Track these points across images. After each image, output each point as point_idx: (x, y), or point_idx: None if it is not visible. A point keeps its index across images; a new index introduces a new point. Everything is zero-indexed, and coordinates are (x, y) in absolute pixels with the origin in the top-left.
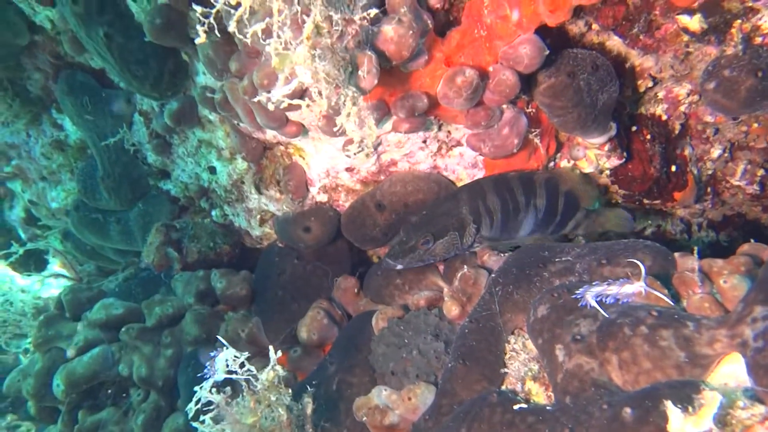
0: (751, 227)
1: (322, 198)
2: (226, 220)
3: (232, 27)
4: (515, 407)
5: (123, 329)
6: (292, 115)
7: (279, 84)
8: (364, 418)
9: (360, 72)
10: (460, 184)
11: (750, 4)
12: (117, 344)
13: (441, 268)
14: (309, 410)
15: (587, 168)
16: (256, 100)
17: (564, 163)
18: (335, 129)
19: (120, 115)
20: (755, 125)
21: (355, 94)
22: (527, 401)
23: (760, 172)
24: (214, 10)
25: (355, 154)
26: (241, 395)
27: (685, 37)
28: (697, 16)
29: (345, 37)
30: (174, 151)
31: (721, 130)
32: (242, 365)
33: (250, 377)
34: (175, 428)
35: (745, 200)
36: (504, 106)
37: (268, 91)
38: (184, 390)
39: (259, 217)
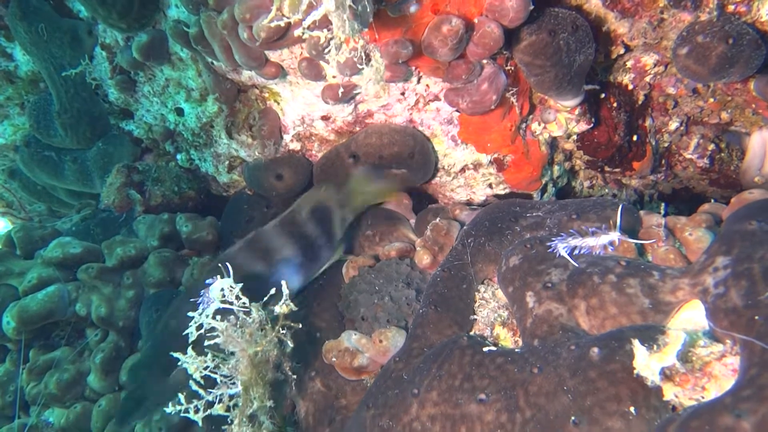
0: (697, 201)
1: (295, 146)
2: (192, 165)
3: None
4: (485, 349)
5: (82, 268)
6: (272, 56)
7: (301, 9)
8: (334, 359)
9: (358, 6)
10: (434, 140)
11: None
12: (74, 283)
13: (412, 221)
14: (288, 350)
15: (556, 131)
16: (254, 33)
17: (535, 126)
18: (325, 73)
19: (80, 46)
20: (711, 100)
21: (359, 27)
22: (496, 345)
23: (711, 146)
24: None
25: (367, 90)
26: (239, 325)
27: (662, 3)
28: None
29: None
30: (139, 90)
31: (679, 104)
32: (238, 298)
33: (243, 309)
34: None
35: (695, 173)
36: (484, 62)
37: (250, 26)
38: (146, 331)
39: (227, 163)
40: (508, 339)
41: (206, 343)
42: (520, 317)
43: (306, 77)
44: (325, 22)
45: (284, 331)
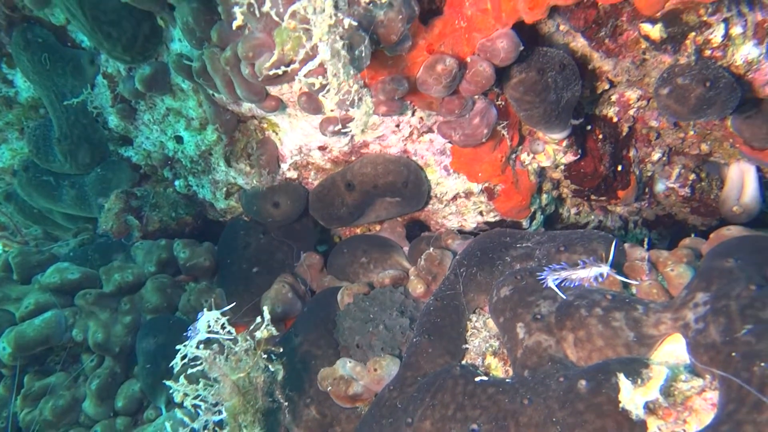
0: (679, 227)
1: (292, 174)
2: (190, 191)
3: (267, 6)
4: (476, 379)
5: (79, 294)
6: (272, 90)
7: (298, 58)
8: (329, 388)
9: (356, 52)
10: (427, 169)
11: (705, 19)
12: (71, 309)
13: (406, 249)
14: (280, 376)
15: (545, 162)
16: (257, 71)
17: (524, 156)
18: (324, 107)
19: (82, 74)
20: (691, 132)
21: (355, 73)
22: (487, 374)
23: (692, 176)
24: None
25: (355, 130)
26: (224, 353)
27: (644, 44)
28: (659, 25)
29: (347, 18)
30: (139, 118)
31: (662, 135)
32: (224, 327)
33: (229, 339)
34: (131, 394)
35: (677, 201)
36: (476, 97)
37: (253, 64)
38: (143, 357)
39: (225, 189)
40: (499, 368)
41: (190, 371)
42: (510, 347)
43: (305, 111)
44: (321, 69)
45: (265, 356)
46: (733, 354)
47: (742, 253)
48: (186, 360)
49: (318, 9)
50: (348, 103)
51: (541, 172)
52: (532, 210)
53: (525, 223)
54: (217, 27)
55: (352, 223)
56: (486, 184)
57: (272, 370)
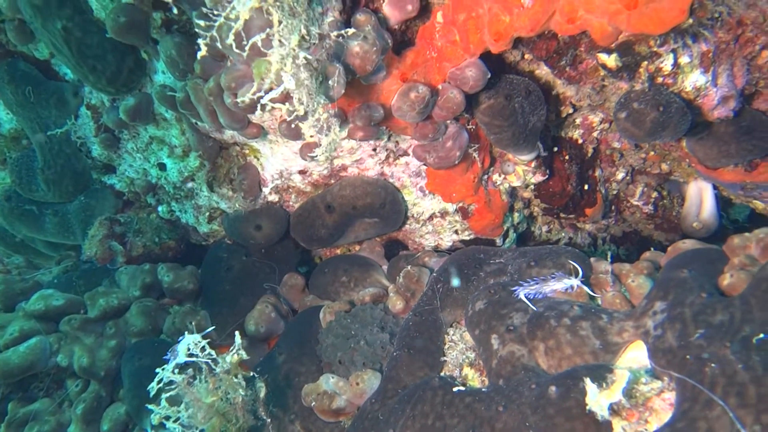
0: (644, 243)
1: (274, 198)
2: (173, 216)
3: (230, 40)
4: (454, 390)
5: (64, 319)
6: (253, 118)
7: (262, 87)
8: (313, 404)
9: (330, 82)
10: (404, 191)
11: (655, 49)
12: (55, 335)
13: (385, 268)
14: (262, 394)
15: (515, 182)
16: (238, 100)
17: (496, 177)
18: (303, 133)
19: (65, 106)
20: (652, 153)
21: (325, 102)
22: (464, 385)
23: (654, 194)
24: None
25: (318, 156)
26: (200, 377)
27: (602, 72)
28: (614, 55)
29: (320, 50)
30: (122, 146)
31: (625, 156)
32: (203, 349)
33: (209, 361)
34: (116, 418)
35: (641, 218)
36: (448, 122)
37: (235, 94)
38: (128, 380)
39: (208, 214)
40: (475, 379)
41: (165, 395)
42: (486, 358)
43: (285, 137)
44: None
45: (235, 380)
46: (688, 357)
47: (695, 264)
48: (161, 384)
49: (282, 43)
50: (317, 130)
51: (513, 192)
52: (505, 228)
53: (498, 241)
54: (199, 60)
55: (333, 244)
56: (460, 204)
57: (251, 388)
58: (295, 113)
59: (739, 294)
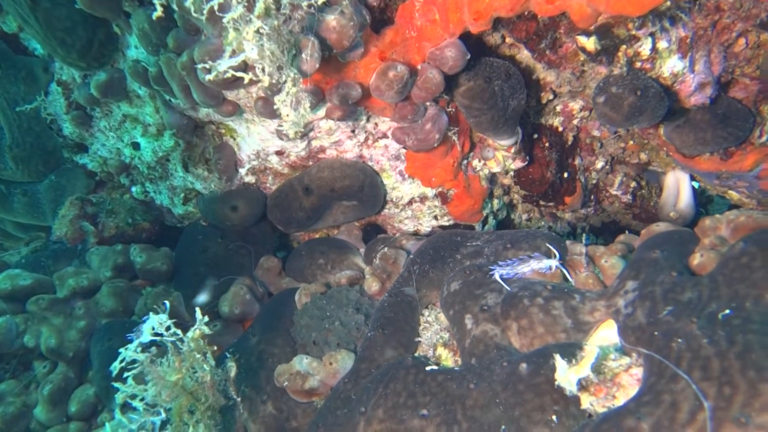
0: (623, 233)
1: (250, 179)
2: (147, 197)
3: (188, 2)
4: (427, 369)
5: (32, 300)
6: (229, 95)
7: (225, 56)
8: (285, 384)
9: (303, 55)
10: (383, 174)
11: (633, 32)
12: (22, 315)
13: (362, 250)
14: (232, 373)
15: (495, 168)
16: (199, 66)
17: (476, 162)
18: (275, 108)
19: (35, 82)
20: (631, 142)
21: (296, 76)
22: (438, 365)
23: (633, 183)
24: None
25: (287, 130)
26: (166, 355)
27: (582, 57)
28: (593, 38)
29: (291, 21)
30: (94, 125)
31: (604, 145)
32: (168, 328)
33: (176, 340)
34: (85, 399)
35: (620, 208)
36: (427, 104)
37: (209, 69)
38: (97, 361)
39: (183, 195)
40: (449, 359)
41: (127, 374)
42: (459, 338)
43: (262, 115)
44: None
45: (199, 357)
46: (656, 333)
47: (667, 245)
48: (124, 364)
49: (246, 10)
50: (286, 104)
51: (492, 178)
52: (484, 214)
53: (478, 227)
54: (173, 33)
55: (310, 227)
56: (439, 189)
57: (221, 368)
58: (260, 84)
59: (708, 273)
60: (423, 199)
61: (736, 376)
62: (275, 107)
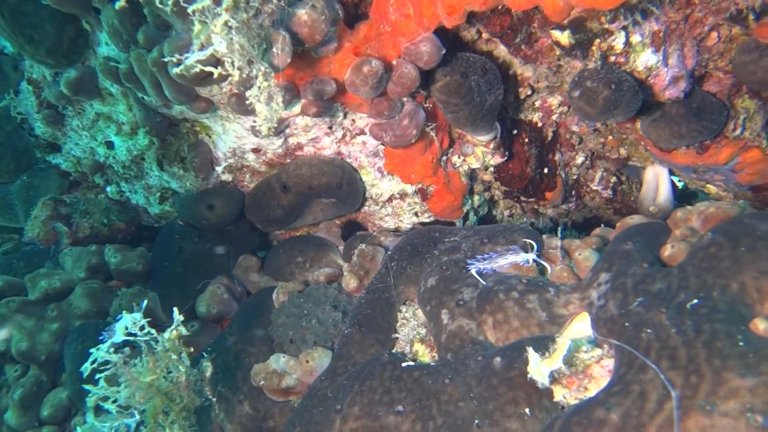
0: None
1: (227, 177)
2: (122, 197)
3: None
4: (403, 365)
5: (2, 302)
6: (202, 92)
7: (193, 50)
8: (262, 383)
9: (274, 50)
10: (362, 171)
11: (606, 26)
12: None
13: (341, 247)
14: (208, 373)
15: (475, 163)
16: (166, 59)
17: (455, 158)
18: (247, 103)
19: (4, 81)
20: (610, 137)
21: (267, 70)
22: (414, 360)
23: (613, 179)
24: None
25: (260, 127)
26: (140, 356)
27: (558, 51)
28: (567, 32)
29: (261, 14)
30: (67, 124)
31: (584, 140)
32: (142, 328)
33: (149, 340)
34: (58, 403)
35: (601, 203)
36: (404, 99)
37: (179, 64)
38: (71, 364)
39: (159, 194)
40: (426, 354)
41: (99, 375)
42: (436, 333)
43: (236, 112)
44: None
45: (175, 357)
46: (626, 324)
47: (640, 237)
48: (96, 365)
49: (213, 7)
50: (258, 99)
51: (472, 174)
52: (465, 210)
53: (458, 223)
54: (143, 29)
55: (289, 225)
56: (419, 185)
57: (197, 368)
58: (230, 79)
59: (678, 263)
60: (403, 195)
61: (702, 364)
62: (247, 102)
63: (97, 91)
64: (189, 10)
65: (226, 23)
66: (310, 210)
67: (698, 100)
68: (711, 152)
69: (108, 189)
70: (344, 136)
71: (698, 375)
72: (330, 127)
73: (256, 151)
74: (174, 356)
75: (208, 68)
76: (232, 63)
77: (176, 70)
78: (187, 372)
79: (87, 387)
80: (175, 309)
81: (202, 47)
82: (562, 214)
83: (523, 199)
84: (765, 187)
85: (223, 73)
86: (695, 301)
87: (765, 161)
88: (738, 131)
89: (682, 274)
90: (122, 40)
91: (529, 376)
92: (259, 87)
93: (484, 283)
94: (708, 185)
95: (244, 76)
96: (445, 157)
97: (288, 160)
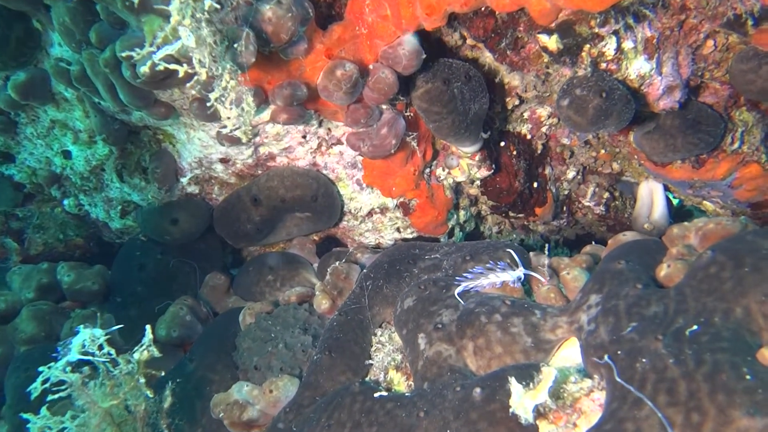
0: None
1: (193, 189)
2: (81, 211)
3: None
4: (375, 395)
5: None
6: (162, 96)
7: (156, 44)
8: (221, 415)
9: (236, 46)
10: (339, 183)
11: (596, 30)
12: None
13: (316, 264)
14: (167, 404)
15: (460, 177)
16: (124, 56)
17: (439, 171)
18: (208, 105)
19: None
20: (602, 151)
21: (232, 68)
22: (389, 390)
23: (606, 194)
24: None
25: (232, 132)
26: (99, 377)
27: (546, 58)
28: (555, 36)
29: (224, 10)
30: (20, 132)
31: (575, 154)
32: (101, 347)
33: (107, 362)
34: None
35: (593, 220)
36: (383, 107)
37: (134, 65)
38: (12, 395)
39: (120, 208)
40: (401, 383)
41: (50, 397)
42: (412, 360)
43: (198, 118)
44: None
45: (142, 382)
46: (619, 352)
47: (633, 256)
48: (48, 385)
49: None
50: (224, 101)
51: (458, 188)
52: (450, 226)
53: (443, 240)
54: (96, 27)
55: (262, 241)
56: (401, 199)
57: (152, 397)
58: (196, 78)
59: (675, 284)
60: (383, 210)
61: (705, 400)
62: (209, 104)
63: (50, 95)
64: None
65: (193, 14)
66: (284, 225)
67: (694, 111)
68: (708, 167)
69: (65, 202)
70: (320, 145)
71: (700, 413)
72: (304, 136)
73: (224, 161)
74: (138, 381)
75: (173, 66)
76: (200, 60)
77: (143, 69)
78: (147, 402)
79: (25, 416)
80: (148, 327)
81: (167, 41)
82: (553, 230)
83: (511, 214)
84: (765, 204)
85: (190, 71)
86: (695, 327)
87: (764, 177)
88: (736, 145)
89: (679, 297)
90: (75, 40)
91: (511, 410)
92: (225, 87)
93: (464, 304)
94: (704, 202)
95: (211, 75)
96: (428, 170)
97: (259, 172)
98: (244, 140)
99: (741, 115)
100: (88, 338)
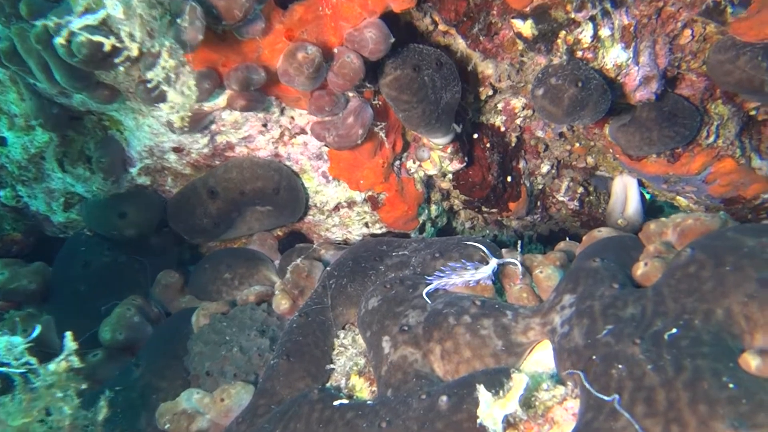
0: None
1: (144, 181)
2: (20, 203)
3: None
4: (335, 403)
5: None
6: (104, 77)
7: (78, 9)
8: (167, 426)
9: (179, 21)
10: (303, 176)
11: (572, 15)
12: None
13: (277, 262)
14: (100, 417)
15: (431, 169)
16: (41, 23)
17: (410, 164)
18: (149, 87)
19: None
20: (577, 145)
21: (173, 46)
22: (350, 397)
23: (580, 189)
24: None
25: (169, 116)
26: (14, 390)
27: (520, 45)
28: (529, 22)
29: None
30: None
31: (550, 147)
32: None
33: (28, 372)
34: None
35: (568, 215)
36: (350, 95)
37: (69, 41)
38: None
39: (63, 200)
40: (364, 389)
41: None
42: (376, 365)
43: (144, 102)
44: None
45: (60, 396)
46: (594, 357)
47: (609, 253)
48: None
49: None
50: (160, 80)
51: (429, 182)
52: (421, 221)
53: (414, 236)
54: None
55: (220, 236)
56: (369, 193)
57: (86, 413)
58: (125, 53)
59: (653, 284)
60: (351, 204)
61: (685, 411)
62: (150, 86)
63: None
64: None
65: None
66: (243, 219)
67: (670, 103)
68: (683, 161)
69: (1, 193)
70: (282, 135)
71: (680, 424)
72: (264, 125)
73: (177, 150)
74: (59, 394)
75: (96, 38)
76: (130, 34)
77: (58, 40)
78: (74, 415)
79: None
80: (68, 334)
81: (90, 9)
82: (527, 226)
83: (485, 209)
84: (738, 200)
85: (118, 45)
86: (674, 330)
87: (738, 172)
88: (711, 139)
89: (657, 298)
90: (4, 13)
91: (479, 420)
92: (164, 67)
93: (432, 304)
94: (678, 197)
95: (145, 51)
96: (398, 162)
97: (217, 162)
98: (178, 125)
99: (716, 108)
100: (4, 348)
